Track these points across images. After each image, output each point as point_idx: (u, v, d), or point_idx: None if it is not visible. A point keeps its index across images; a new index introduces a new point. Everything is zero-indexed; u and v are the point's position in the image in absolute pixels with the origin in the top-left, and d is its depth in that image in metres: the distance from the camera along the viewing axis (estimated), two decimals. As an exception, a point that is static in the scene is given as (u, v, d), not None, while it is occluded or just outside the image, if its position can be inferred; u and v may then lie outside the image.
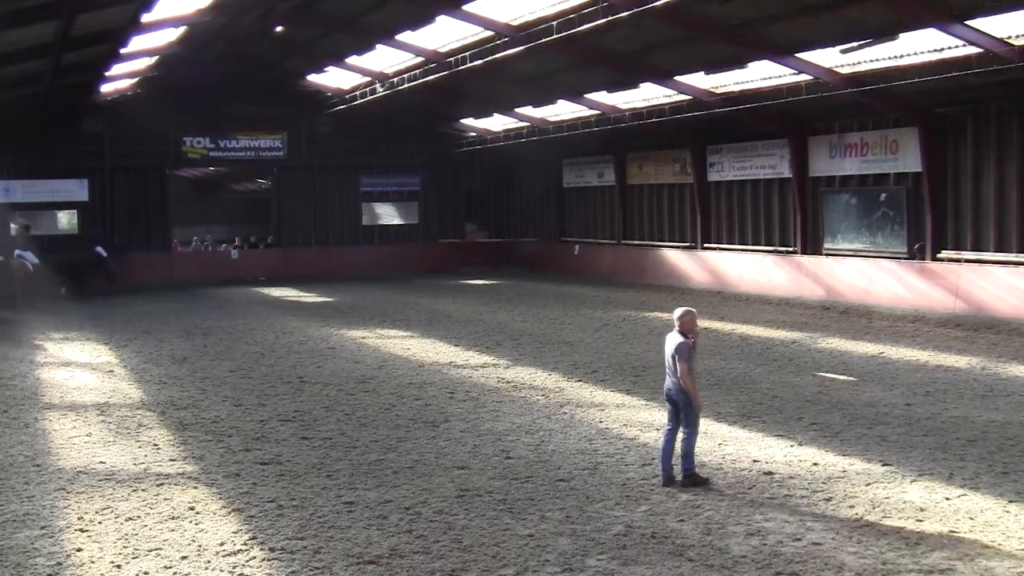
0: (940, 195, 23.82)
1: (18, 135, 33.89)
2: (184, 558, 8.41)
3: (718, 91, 26.92)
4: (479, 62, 25.65)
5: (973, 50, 19.74)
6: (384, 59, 31.53)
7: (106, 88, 33.90)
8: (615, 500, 9.74)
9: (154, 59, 30.91)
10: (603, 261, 36.54)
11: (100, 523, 9.38)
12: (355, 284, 35.17)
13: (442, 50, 28.20)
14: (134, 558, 8.45)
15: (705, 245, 31.75)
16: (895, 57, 21.81)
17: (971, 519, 8.96)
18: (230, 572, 8.11)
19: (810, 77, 23.49)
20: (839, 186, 26.96)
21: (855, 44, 20.98)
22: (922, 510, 9.25)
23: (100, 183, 36.96)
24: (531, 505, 9.64)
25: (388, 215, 42.05)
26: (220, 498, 10.10)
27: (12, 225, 35.69)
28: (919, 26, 19.71)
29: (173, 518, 9.46)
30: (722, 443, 11.86)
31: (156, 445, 12.42)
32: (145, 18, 20.34)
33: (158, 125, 36.56)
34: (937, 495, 9.68)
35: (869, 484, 10.09)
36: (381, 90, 32.14)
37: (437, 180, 41.75)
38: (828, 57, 22.66)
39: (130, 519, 9.46)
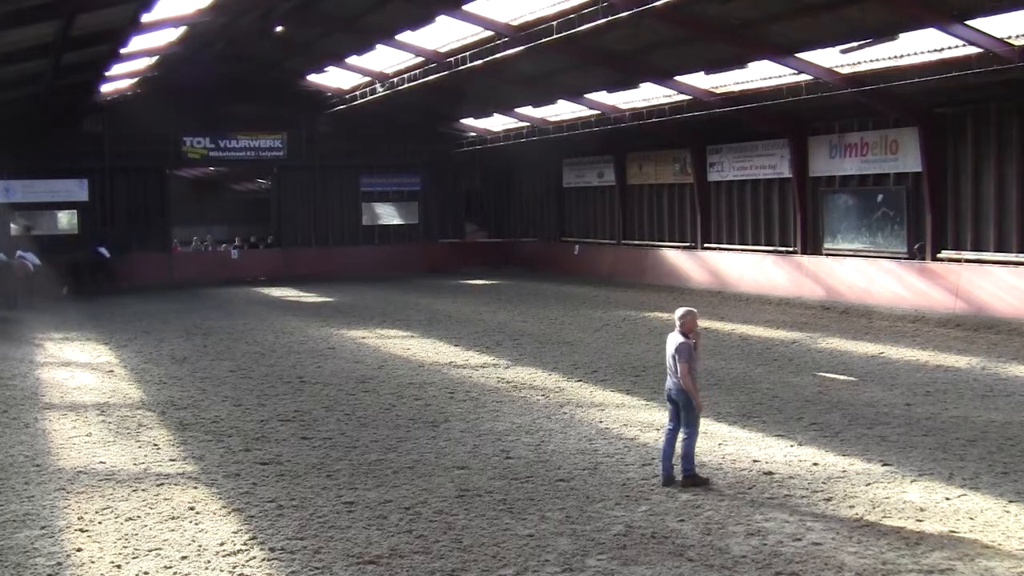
0: (940, 195, 23.82)
1: (18, 135, 33.92)
2: (184, 558, 8.41)
3: (718, 91, 26.92)
4: (479, 62, 25.66)
5: (973, 50, 19.74)
6: (384, 59, 31.54)
7: (106, 88, 33.92)
8: (615, 500, 9.74)
9: (154, 59, 30.92)
10: (603, 261, 36.54)
11: (100, 523, 9.38)
12: (355, 284, 35.18)
13: (442, 50, 28.20)
14: (134, 558, 8.45)
15: (705, 245, 31.75)
16: (895, 57, 21.81)
17: (971, 519, 8.96)
18: (230, 572, 8.11)
19: (810, 77, 23.50)
20: (839, 186, 26.97)
21: (855, 44, 20.98)
22: (922, 510, 9.25)
23: (100, 183, 36.98)
24: (531, 505, 9.64)
25: (388, 215, 42.06)
26: (220, 498, 10.10)
27: (12, 225, 35.72)
28: (919, 26, 19.71)
29: (173, 518, 9.46)
30: (722, 443, 11.86)
31: (156, 445, 12.43)
32: (145, 18, 20.34)
33: (158, 125, 36.58)
34: (937, 495, 9.68)
35: (869, 484, 10.09)
36: (381, 90, 32.14)
37: (437, 180, 41.77)
38: (828, 57, 22.66)
39: (130, 519, 9.46)
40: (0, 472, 11.24)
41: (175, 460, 11.69)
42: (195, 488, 10.49)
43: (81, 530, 9.19)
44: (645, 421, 13.10)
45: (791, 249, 28.36)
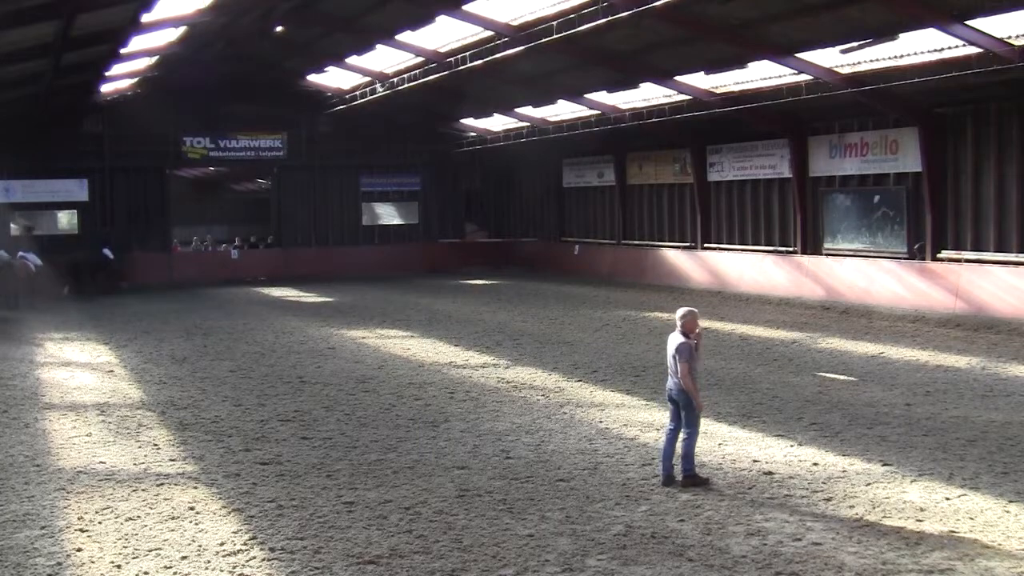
0: (940, 195, 23.82)
1: (18, 135, 33.92)
2: (184, 558, 8.41)
3: (718, 91, 26.92)
4: (479, 62, 25.66)
5: (973, 50, 19.74)
6: (384, 59, 31.54)
7: (106, 88, 33.92)
8: (615, 500, 9.74)
9: (154, 59, 30.93)
10: (603, 261, 36.54)
11: (100, 523, 9.38)
12: (355, 284, 35.18)
13: (442, 50, 28.20)
14: (134, 558, 8.45)
15: (705, 245, 31.75)
16: (895, 57, 21.81)
17: (971, 519, 8.96)
18: (230, 572, 8.11)
19: (810, 77, 23.50)
20: (839, 186, 26.97)
21: (855, 44, 20.98)
22: (922, 510, 9.25)
23: (100, 183, 36.99)
24: (531, 505, 9.64)
25: (388, 215, 42.06)
26: (220, 498, 10.10)
27: (13, 226, 35.71)
28: (919, 26, 19.71)
29: (173, 518, 9.46)
30: (722, 443, 11.86)
31: (156, 445, 12.42)
32: (145, 18, 20.35)
33: (158, 125, 36.59)
34: (937, 495, 9.68)
35: (869, 484, 10.09)
36: (381, 90, 32.14)
37: (437, 180, 41.77)
38: (828, 57, 22.66)
39: (130, 519, 9.46)
40: (0, 472, 11.24)
41: (175, 460, 11.69)
42: (195, 488, 10.49)
43: (81, 530, 9.18)
44: (645, 421, 13.10)
45: (791, 249, 28.36)
